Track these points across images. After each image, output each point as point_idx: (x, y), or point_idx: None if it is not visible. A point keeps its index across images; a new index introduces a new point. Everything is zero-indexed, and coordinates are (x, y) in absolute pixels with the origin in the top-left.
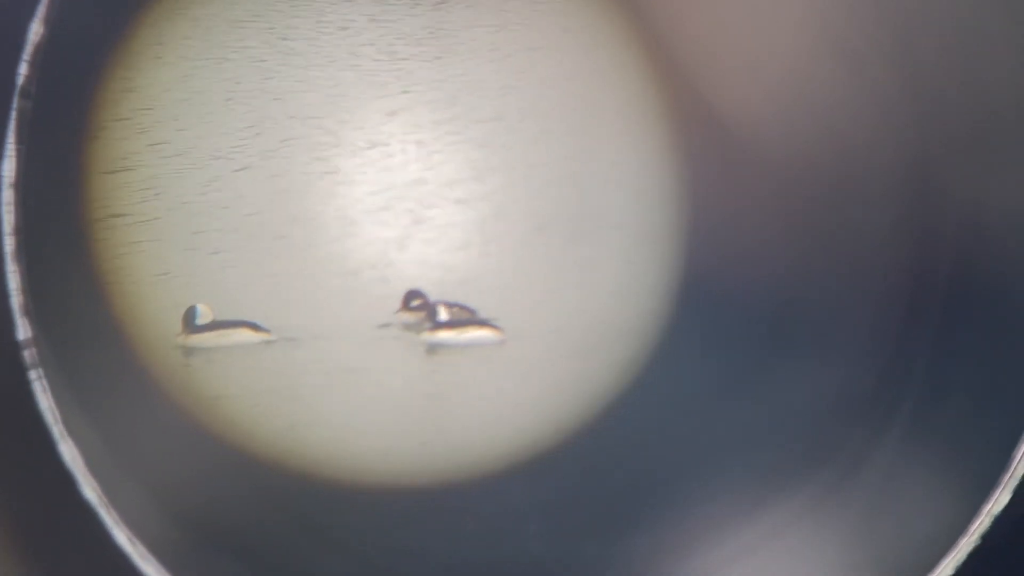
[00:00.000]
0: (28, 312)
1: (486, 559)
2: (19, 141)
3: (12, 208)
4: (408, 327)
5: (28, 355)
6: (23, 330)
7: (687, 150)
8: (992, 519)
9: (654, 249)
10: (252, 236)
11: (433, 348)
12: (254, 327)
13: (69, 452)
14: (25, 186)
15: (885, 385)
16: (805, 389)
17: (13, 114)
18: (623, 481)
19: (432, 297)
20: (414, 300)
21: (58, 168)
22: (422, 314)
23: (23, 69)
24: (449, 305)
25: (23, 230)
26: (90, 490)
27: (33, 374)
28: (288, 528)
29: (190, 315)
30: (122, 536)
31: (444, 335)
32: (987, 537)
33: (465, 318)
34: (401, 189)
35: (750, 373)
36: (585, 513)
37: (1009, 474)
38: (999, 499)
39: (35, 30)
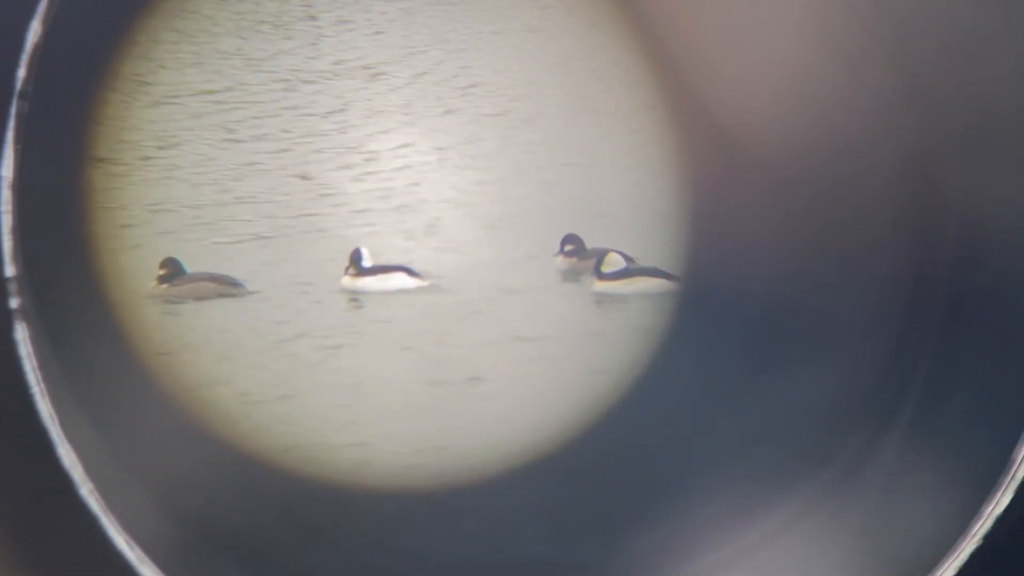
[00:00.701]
0: (26, 314)
1: (486, 561)
2: (18, 141)
3: (10, 209)
4: (563, 272)
5: (26, 356)
6: (21, 331)
7: (686, 150)
8: (994, 520)
9: (653, 249)
10: (263, 234)
11: (600, 297)
12: (409, 272)
13: (67, 454)
14: (24, 187)
15: (885, 385)
16: (805, 390)
17: (12, 115)
18: (623, 482)
19: (586, 243)
20: (568, 245)
21: (58, 169)
22: (573, 259)
23: (22, 70)
24: (612, 252)
25: (22, 231)
26: (88, 493)
27: (31, 376)
28: (289, 532)
29: (356, 256)
30: (120, 539)
31: (612, 285)
32: (989, 538)
33: (633, 267)
34: (406, 189)
35: (750, 374)
36: (584, 514)
37: (1011, 475)
38: (1001, 500)
39: (34, 30)
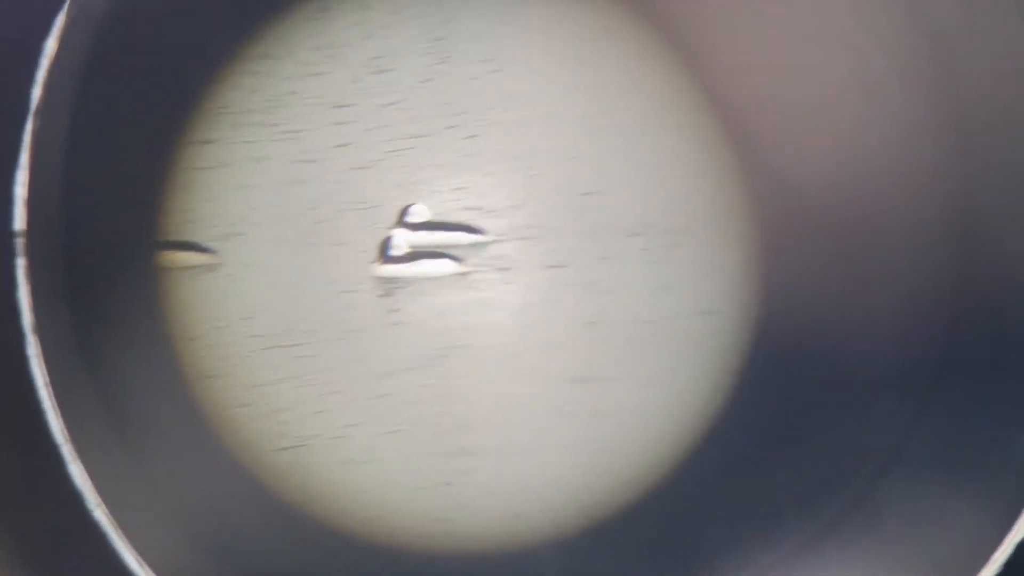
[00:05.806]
0: (37, 329)
1: None
2: (32, 159)
3: (25, 226)
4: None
5: (38, 371)
6: (33, 346)
7: (734, 184)
8: (1015, 547)
9: (678, 265)
10: (276, 237)
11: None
12: (452, 258)
13: (78, 471)
14: (36, 197)
15: (906, 408)
16: (826, 408)
17: (27, 133)
18: (638, 502)
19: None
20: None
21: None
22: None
23: (37, 88)
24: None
25: (31, 249)
26: (99, 511)
27: (43, 391)
28: (304, 556)
29: (385, 245)
30: (131, 558)
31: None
32: (1010, 565)
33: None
34: (423, 194)
35: (766, 386)
36: (597, 532)
37: None
38: (1023, 526)
39: (50, 48)
